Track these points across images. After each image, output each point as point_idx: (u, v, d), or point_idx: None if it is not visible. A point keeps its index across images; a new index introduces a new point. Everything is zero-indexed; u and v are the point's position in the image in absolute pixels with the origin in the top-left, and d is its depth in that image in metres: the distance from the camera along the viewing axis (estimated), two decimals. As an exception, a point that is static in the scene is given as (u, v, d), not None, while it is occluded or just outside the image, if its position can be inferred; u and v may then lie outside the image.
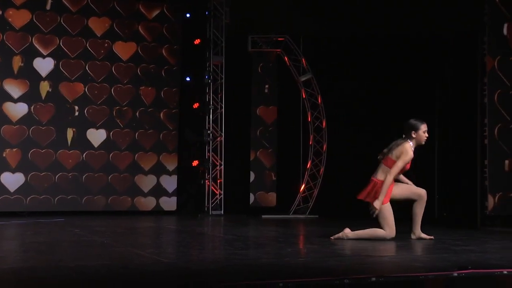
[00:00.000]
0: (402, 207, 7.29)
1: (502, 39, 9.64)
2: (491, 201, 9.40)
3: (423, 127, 7.12)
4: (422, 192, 7.25)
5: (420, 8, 10.89)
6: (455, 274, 4.37)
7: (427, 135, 7.14)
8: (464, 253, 6.02)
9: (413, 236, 7.26)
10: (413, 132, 7.10)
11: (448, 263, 5.12)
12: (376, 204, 6.93)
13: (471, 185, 9.74)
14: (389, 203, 7.06)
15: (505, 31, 9.59)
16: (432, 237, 7.27)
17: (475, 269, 4.53)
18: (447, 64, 11.27)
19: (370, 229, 7.13)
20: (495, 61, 9.54)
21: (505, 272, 4.56)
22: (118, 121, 12.96)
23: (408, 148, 7.02)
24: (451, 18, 10.60)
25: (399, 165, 6.98)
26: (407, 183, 7.33)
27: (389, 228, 6.98)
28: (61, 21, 12.67)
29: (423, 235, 7.26)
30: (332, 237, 7.18)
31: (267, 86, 14.09)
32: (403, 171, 7.23)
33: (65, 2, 12.71)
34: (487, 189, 9.41)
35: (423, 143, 7.15)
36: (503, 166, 9.59)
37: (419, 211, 7.25)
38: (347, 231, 7.19)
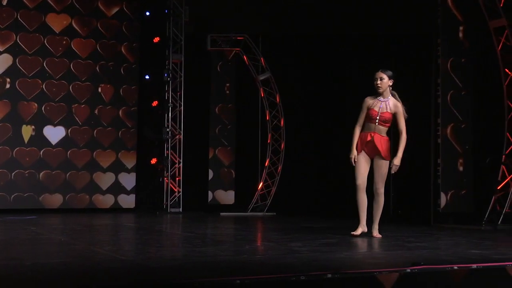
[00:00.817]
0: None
1: (454, 41, 9.88)
2: (443, 199, 9.63)
3: (375, 77, 7.36)
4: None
5: (378, 9, 11.06)
6: (408, 270, 4.45)
7: (376, 82, 7.29)
8: (417, 249, 6.13)
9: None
10: None
11: (401, 260, 5.23)
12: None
13: (425, 183, 9.96)
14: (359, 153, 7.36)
15: (460, 35, 9.84)
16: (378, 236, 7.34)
17: (427, 265, 4.63)
18: (402, 65, 11.47)
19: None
20: (448, 63, 9.77)
21: (456, 267, 4.68)
22: (76, 118, 12.88)
23: (365, 99, 7.38)
24: (407, 20, 10.79)
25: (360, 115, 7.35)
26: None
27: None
28: (18, 17, 12.51)
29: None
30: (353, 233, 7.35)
31: (227, 85, 14.15)
32: (372, 120, 7.29)
33: (20, -2, 12.57)
34: (439, 187, 9.63)
35: (378, 91, 7.29)
36: (456, 164, 9.84)
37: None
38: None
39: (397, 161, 7.24)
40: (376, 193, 7.34)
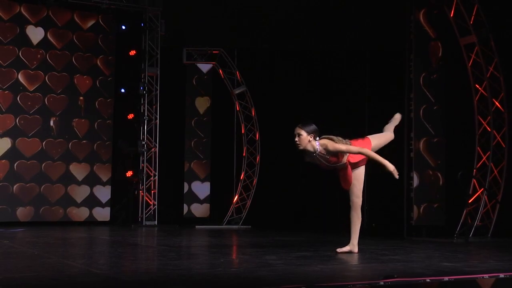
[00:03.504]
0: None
1: (426, 57, 10.06)
2: (416, 212, 9.76)
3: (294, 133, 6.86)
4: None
5: (353, 25, 11.22)
6: (382, 283, 4.47)
7: (295, 139, 6.77)
8: (391, 262, 6.16)
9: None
10: None
11: (375, 272, 5.25)
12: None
13: (398, 196, 10.09)
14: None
15: (432, 51, 10.03)
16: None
17: (400, 277, 4.67)
18: (377, 79, 11.63)
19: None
20: (420, 78, 9.93)
21: (428, 280, 4.74)
22: (53, 127, 12.85)
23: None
24: (381, 36, 10.97)
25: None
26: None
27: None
28: (-7, 29, 12.51)
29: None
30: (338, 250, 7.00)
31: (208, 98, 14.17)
32: (331, 169, 6.97)
33: (-3, 10, 12.56)
34: (412, 200, 9.77)
35: (298, 148, 6.76)
36: (428, 178, 9.98)
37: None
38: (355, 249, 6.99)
39: (391, 167, 6.67)
40: (356, 203, 6.98)
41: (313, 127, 6.77)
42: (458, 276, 4.99)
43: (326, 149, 6.68)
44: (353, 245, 6.96)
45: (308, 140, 6.70)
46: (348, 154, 6.80)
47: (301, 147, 6.72)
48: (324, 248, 7.28)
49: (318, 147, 6.71)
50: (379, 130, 11.15)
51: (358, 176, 6.98)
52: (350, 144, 6.77)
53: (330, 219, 11.84)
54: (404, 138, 9.95)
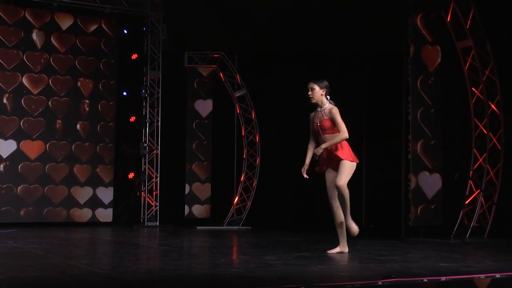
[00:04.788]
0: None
1: (424, 60, 10.14)
2: (413, 213, 9.84)
3: (307, 87, 7.16)
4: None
5: (352, 28, 11.27)
6: (380, 283, 4.52)
7: (308, 93, 7.10)
8: (389, 262, 6.22)
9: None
10: None
11: (373, 272, 5.29)
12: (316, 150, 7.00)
13: (396, 197, 10.17)
14: (325, 171, 7.16)
15: (421, 54, 10.11)
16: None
17: (398, 277, 4.72)
18: (376, 82, 11.69)
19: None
20: (418, 81, 10.03)
21: (425, 280, 4.82)
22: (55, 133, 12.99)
23: (310, 115, 7.21)
24: (379, 39, 11.04)
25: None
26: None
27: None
28: (-4, 33, 12.65)
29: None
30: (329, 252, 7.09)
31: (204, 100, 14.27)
32: (317, 133, 7.13)
33: (1, 14, 12.66)
34: (410, 201, 9.86)
35: (311, 102, 7.09)
36: (426, 179, 10.05)
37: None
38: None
39: (317, 150, 6.96)
40: (336, 186, 6.91)
41: (325, 83, 7.15)
42: (454, 276, 5.06)
43: (330, 111, 6.99)
44: (343, 246, 7.09)
45: (321, 94, 7.08)
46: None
47: (313, 101, 7.10)
48: (323, 249, 7.28)
49: (327, 104, 7.07)
50: (378, 132, 11.33)
51: (346, 166, 6.96)
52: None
53: (330, 219, 11.89)
54: (402, 140, 10.02)
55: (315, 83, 7.09)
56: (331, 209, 7.10)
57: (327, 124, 7.01)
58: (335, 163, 7.01)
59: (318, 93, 7.07)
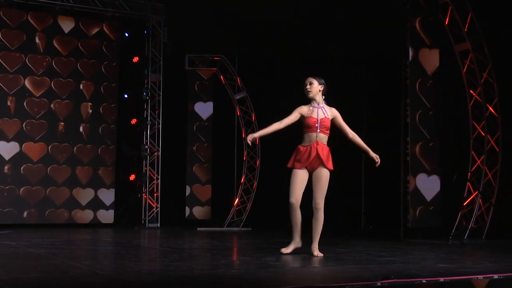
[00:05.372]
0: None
1: (422, 63, 10.20)
2: (412, 214, 9.90)
3: (304, 82, 7.16)
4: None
5: (350, 32, 11.34)
6: (379, 284, 4.54)
7: (306, 87, 7.08)
8: (388, 263, 6.24)
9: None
10: None
11: (372, 273, 5.29)
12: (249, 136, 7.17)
13: (395, 199, 10.22)
14: (298, 170, 7.05)
15: (419, 57, 10.18)
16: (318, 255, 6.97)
17: (397, 278, 4.74)
18: (375, 85, 11.76)
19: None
20: (416, 84, 10.10)
21: (424, 281, 4.85)
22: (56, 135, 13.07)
23: (299, 107, 7.15)
24: (378, 43, 11.11)
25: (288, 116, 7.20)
26: None
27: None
28: (0, 36, 12.71)
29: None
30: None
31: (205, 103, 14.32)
32: (313, 128, 7.03)
33: (4, 17, 12.75)
34: (409, 203, 9.92)
35: (308, 96, 7.06)
36: (424, 181, 10.10)
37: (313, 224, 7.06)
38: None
39: (374, 154, 7.12)
40: (315, 208, 6.86)
41: (323, 80, 7.15)
42: (453, 277, 5.10)
43: (332, 112, 7.05)
44: (297, 242, 7.04)
45: (319, 90, 7.07)
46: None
47: (311, 95, 7.06)
48: (322, 250, 7.15)
49: (323, 102, 7.06)
50: (377, 133, 11.39)
51: (325, 181, 6.97)
52: None
53: (330, 219, 11.95)
54: (401, 142, 10.07)
55: (314, 78, 7.11)
56: (291, 208, 6.93)
57: (328, 123, 7.01)
58: (316, 165, 6.95)
59: (316, 88, 7.06)
